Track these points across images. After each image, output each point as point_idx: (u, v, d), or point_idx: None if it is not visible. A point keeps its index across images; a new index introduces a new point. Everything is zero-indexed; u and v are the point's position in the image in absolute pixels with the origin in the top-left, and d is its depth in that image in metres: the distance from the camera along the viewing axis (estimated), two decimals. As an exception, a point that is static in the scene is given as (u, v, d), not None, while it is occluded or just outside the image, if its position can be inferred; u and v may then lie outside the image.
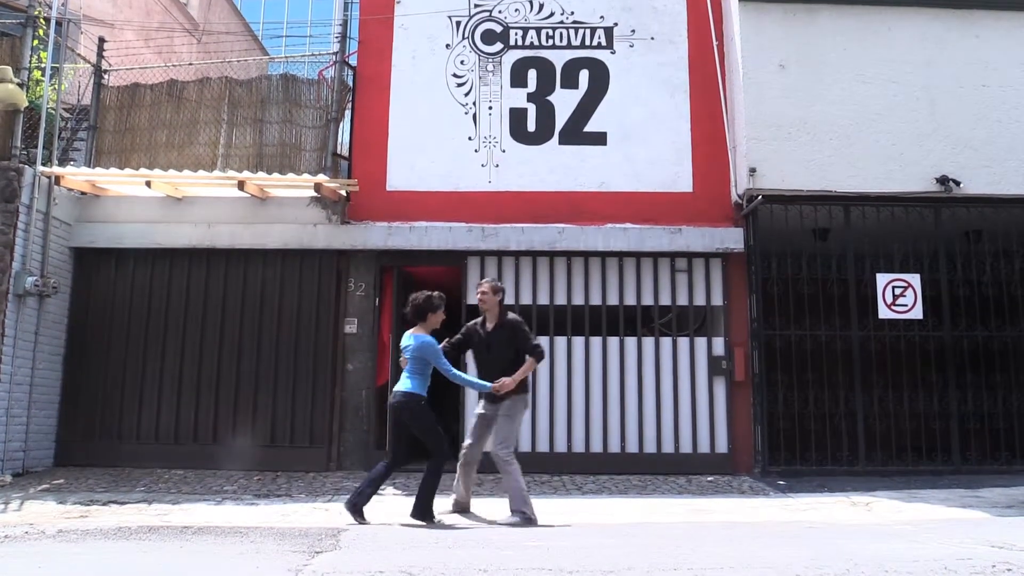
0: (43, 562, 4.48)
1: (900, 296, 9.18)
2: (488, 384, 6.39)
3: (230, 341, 9.36)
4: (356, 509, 6.10)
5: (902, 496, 7.52)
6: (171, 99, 10.23)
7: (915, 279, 9.23)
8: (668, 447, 9.13)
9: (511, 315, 6.76)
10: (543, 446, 9.10)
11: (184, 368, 9.30)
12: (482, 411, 6.65)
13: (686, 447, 9.12)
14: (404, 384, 6.30)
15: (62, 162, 10.01)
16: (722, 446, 9.14)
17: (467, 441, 6.70)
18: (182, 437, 9.16)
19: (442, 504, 6.39)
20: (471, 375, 7.08)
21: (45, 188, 8.92)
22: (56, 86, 9.60)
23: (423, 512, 6.11)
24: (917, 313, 9.18)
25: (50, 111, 9.31)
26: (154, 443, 9.13)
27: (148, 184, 8.93)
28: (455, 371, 6.40)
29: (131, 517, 6.36)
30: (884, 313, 9.18)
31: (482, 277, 9.41)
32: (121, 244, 9.43)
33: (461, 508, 6.61)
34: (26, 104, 8.98)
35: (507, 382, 6.31)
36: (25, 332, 8.65)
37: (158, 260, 9.52)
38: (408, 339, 6.39)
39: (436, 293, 6.52)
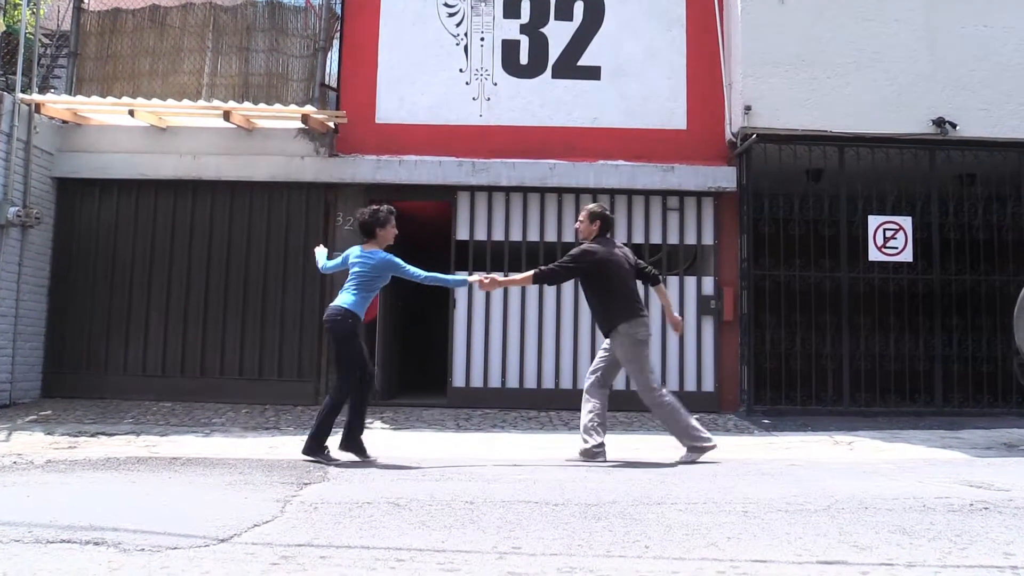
0: (31, 492, 4.52)
1: (891, 238, 9.20)
2: (465, 278, 6.38)
3: (217, 273, 9.33)
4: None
5: (884, 436, 7.65)
6: (154, 25, 9.99)
7: (907, 222, 9.24)
8: (655, 385, 9.22)
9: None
10: (531, 383, 9.18)
11: (171, 300, 9.28)
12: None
13: (673, 385, 9.21)
14: (343, 299, 5.84)
15: (42, 90, 9.82)
16: (708, 385, 9.25)
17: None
18: (170, 370, 9.20)
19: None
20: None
21: (25, 116, 8.75)
22: (34, 10, 9.34)
23: (315, 448, 5.78)
24: (907, 256, 9.22)
25: (28, 36, 9.08)
26: (141, 376, 9.17)
27: (131, 113, 8.77)
28: (423, 272, 5.97)
29: (119, 448, 6.41)
30: (874, 255, 9.21)
31: (472, 212, 9.38)
32: (105, 174, 9.30)
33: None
34: (3, 29, 8.76)
35: (495, 279, 6.24)
36: (8, 263, 8.59)
37: (143, 191, 9.42)
38: (359, 255, 5.98)
39: (385, 207, 6.11)
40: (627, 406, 8.94)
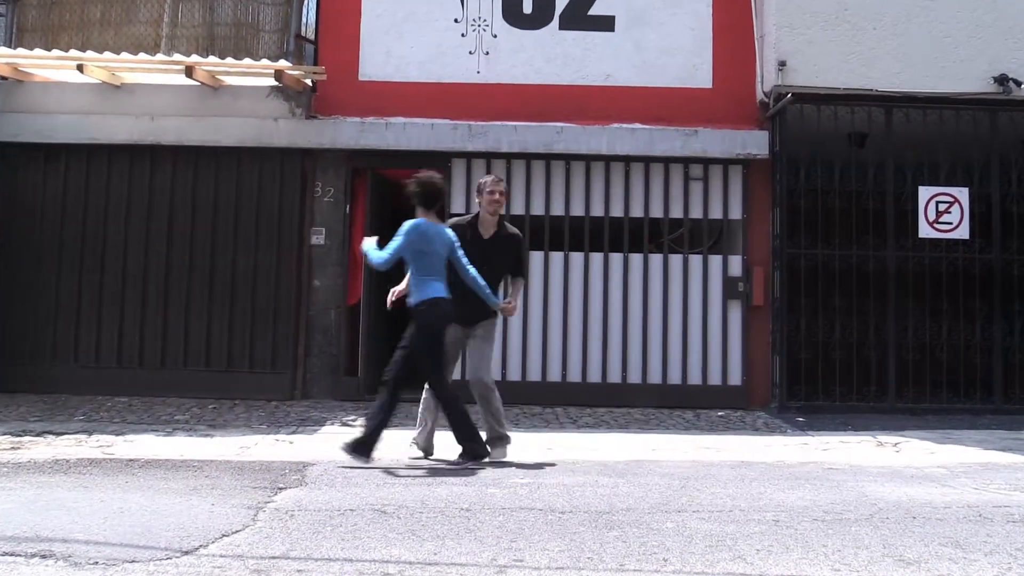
0: (-30, 496, 4.55)
1: (944, 212, 9.17)
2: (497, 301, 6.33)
3: (180, 251, 9.31)
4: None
5: (935, 437, 7.66)
6: (105, -33, 9.94)
7: (963, 193, 9.20)
8: (675, 378, 9.24)
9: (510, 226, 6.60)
10: (535, 375, 9.19)
11: (127, 282, 9.27)
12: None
13: (695, 378, 9.23)
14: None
15: (-22, 41, 9.77)
16: (735, 378, 9.25)
17: None
18: (126, 360, 9.20)
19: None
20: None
21: (-40, 71, 8.73)
22: (-31, -51, 9.29)
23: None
24: (963, 232, 9.19)
25: (-37, -21, 9.03)
26: (94, 367, 9.17)
27: (80, 68, 8.73)
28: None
29: (69, 449, 6.43)
30: (925, 231, 9.18)
31: (469, 182, 9.34)
32: (51, 138, 9.26)
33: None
34: (-66, -30, 8.71)
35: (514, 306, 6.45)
36: (-58, 238, 8.59)
37: (94, 157, 9.39)
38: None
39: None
40: (638, 401, 8.97)
